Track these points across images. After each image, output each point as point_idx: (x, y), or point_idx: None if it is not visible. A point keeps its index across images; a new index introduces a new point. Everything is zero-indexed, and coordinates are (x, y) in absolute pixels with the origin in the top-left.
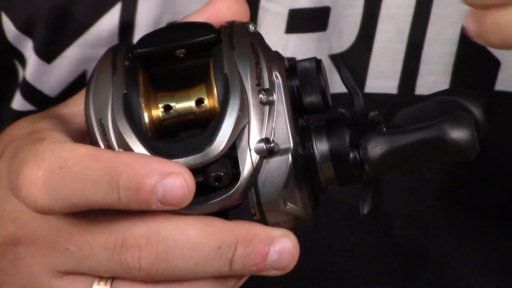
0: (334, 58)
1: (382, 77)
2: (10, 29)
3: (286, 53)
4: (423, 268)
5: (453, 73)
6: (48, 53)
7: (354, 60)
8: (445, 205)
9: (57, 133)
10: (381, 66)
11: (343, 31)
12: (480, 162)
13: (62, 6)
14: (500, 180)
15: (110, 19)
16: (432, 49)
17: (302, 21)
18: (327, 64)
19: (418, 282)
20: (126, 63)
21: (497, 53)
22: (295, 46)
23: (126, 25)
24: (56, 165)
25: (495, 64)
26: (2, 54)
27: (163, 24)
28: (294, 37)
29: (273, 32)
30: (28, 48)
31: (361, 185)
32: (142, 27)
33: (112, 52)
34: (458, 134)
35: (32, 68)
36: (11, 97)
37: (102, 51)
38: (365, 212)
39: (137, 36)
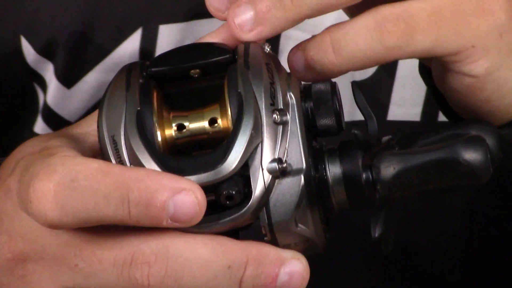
0: (354, 83)
1: (405, 104)
2: (29, 52)
3: None
4: None
5: None
6: (68, 78)
7: (377, 88)
8: (468, 234)
9: (68, 150)
10: (404, 93)
11: None
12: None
13: (82, 31)
14: None
15: (131, 45)
16: None
17: None
18: (350, 91)
19: None
20: (140, 81)
21: None
22: None
23: (147, 51)
24: (67, 179)
25: None
26: (22, 77)
27: None
28: None
29: None
30: (48, 72)
31: (373, 208)
32: None
33: (127, 70)
34: (471, 155)
35: (52, 92)
36: (33, 120)
37: None
38: (376, 235)
39: None
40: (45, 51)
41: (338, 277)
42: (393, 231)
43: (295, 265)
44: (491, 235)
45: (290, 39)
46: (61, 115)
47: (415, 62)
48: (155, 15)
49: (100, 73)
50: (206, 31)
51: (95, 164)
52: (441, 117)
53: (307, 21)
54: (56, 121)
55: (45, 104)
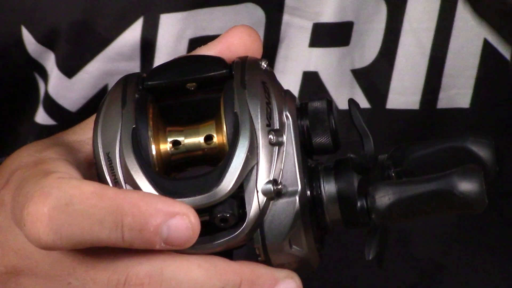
0: (351, 100)
1: (404, 92)
2: (30, 42)
3: (309, 67)
4: (440, 283)
5: (475, 86)
6: (69, 68)
7: (376, 76)
8: (466, 220)
9: (64, 164)
10: (403, 81)
11: (366, 46)
12: (504, 176)
13: (83, 20)
14: None
15: (132, 34)
16: (454, 62)
17: (326, 36)
18: (349, 79)
19: None
20: (136, 95)
21: None
22: (318, 60)
23: (148, 39)
24: (62, 202)
25: None
26: (23, 67)
27: (185, 38)
28: (317, 51)
29: (297, 45)
30: (50, 61)
31: (367, 230)
32: (164, 42)
33: (123, 84)
34: (466, 187)
35: (53, 82)
36: (34, 110)
37: (123, 65)
38: (370, 257)
39: (159, 50)
40: (46, 41)
41: (336, 262)
42: (387, 248)
43: (288, 284)
44: (489, 219)
45: (291, 27)
46: (62, 105)
47: (413, 50)
48: (156, 4)
49: (101, 63)
50: (208, 20)
51: (90, 188)
52: (440, 105)
53: (308, 8)
54: (57, 111)
55: (47, 93)
